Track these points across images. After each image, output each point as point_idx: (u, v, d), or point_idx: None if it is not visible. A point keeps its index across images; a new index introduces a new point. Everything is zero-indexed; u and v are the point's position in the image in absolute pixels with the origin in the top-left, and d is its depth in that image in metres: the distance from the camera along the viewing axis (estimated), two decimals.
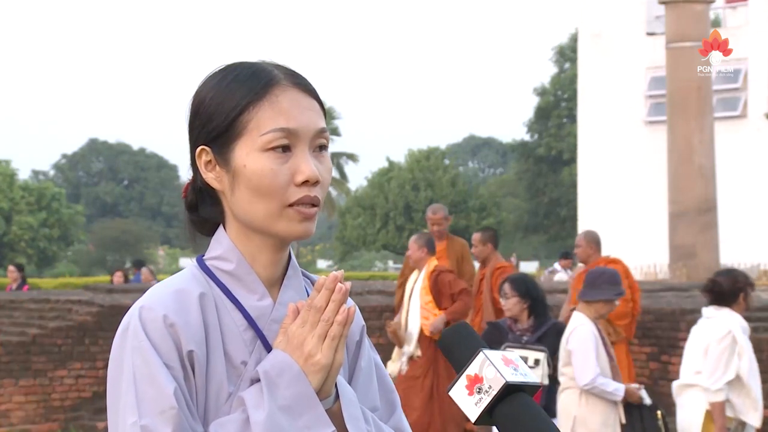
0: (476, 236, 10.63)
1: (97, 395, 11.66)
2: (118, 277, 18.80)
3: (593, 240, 10.23)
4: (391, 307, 11.52)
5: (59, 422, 11.53)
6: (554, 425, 1.73)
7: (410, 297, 10.06)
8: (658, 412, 7.00)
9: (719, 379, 6.81)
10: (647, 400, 6.98)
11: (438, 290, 9.86)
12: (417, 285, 10.07)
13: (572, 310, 9.82)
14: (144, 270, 19.20)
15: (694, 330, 7.12)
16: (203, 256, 1.95)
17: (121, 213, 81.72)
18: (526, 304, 7.40)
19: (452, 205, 48.97)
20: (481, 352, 1.75)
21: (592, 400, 6.90)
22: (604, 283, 7.04)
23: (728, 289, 6.90)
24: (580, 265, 10.69)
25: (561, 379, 7.08)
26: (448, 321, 9.72)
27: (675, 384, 7.22)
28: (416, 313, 9.91)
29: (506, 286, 7.47)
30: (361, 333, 2.02)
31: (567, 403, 6.99)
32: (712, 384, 6.81)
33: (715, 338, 6.84)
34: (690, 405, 7.00)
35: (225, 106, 1.87)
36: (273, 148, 1.85)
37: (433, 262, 10.07)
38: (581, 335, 6.90)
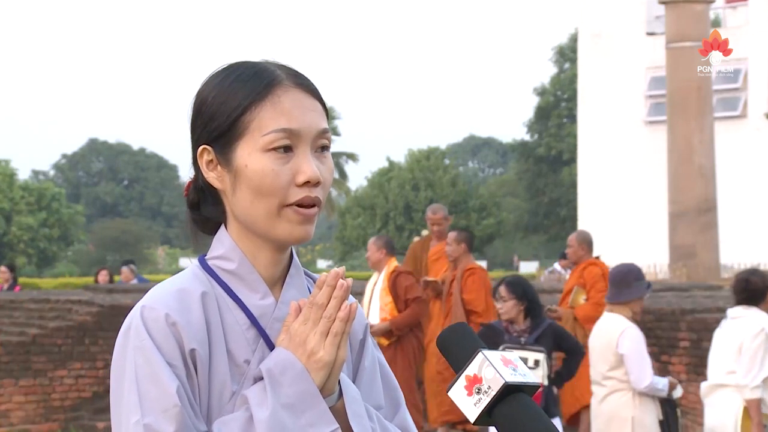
0: (451, 235, 10.52)
1: (97, 395, 11.66)
2: (102, 276, 17.86)
3: (585, 240, 10.26)
4: None
5: (59, 422, 11.53)
6: (554, 426, 1.73)
7: (371, 298, 10.06)
8: (678, 410, 7.04)
9: (756, 376, 6.81)
10: (679, 393, 7.02)
11: (396, 292, 9.86)
12: (377, 286, 10.08)
13: (548, 309, 9.92)
14: (124, 269, 18.23)
15: (720, 332, 7.11)
16: (205, 255, 1.95)
17: (121, 213, 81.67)
18: (522, 306, 7.39)
19: (452, 205, 48.93)
20: (480, 353, 1.75)
21: (645, 401, 6.91)
22: (634, 280, 7.01)
23: (760, 288, 6.93)
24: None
25: (606, 383, 7.00)
26: (390, 331, 9.75)
27: (704, 385, 7.21)
28: (376, 315, 9.93)
29: (502, 289, 7.44)
30: (365, 332, 2.02)
31: (619, 406, 6.93)
32: (750, 381, 6.81)
33: (749, 336, 6.83)
34: (722, 405, 6.97)
35: (227, 105, 1.88)
36: (274, 149, 1.85)
37: (393, 263, 10.10)
38: (633, 337, 6.87)
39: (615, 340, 6.92)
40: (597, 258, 10.51)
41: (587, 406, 9.96)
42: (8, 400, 11.39)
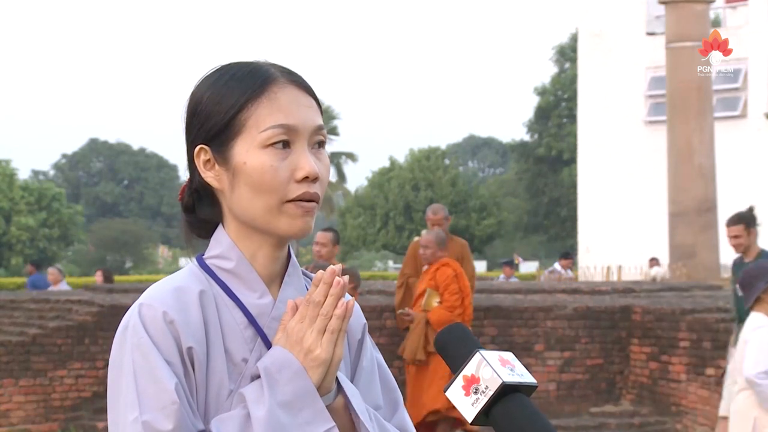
0: (326, 236, 10.03)
1: (97, 395, 11.66)
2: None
3: (442, 240, 10.01)
4: (391, 307, 11.51)
5: (59, 422, 11.53)
6: (551, 426, 1.73)
7: None
8: None
9: None
10: None
11: None
12: None
13: (400, 312, 9.73)
14: (51, 270, 17.79)
15: None
16: (203, 254, 1.95)
17: (121, 213, 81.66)
18: None
19: (452, 205, 48.92)
20: (477, 353, 1.74)
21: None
22: (754, 279, 6.90)
23: None
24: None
25: (739, 379, 6.86)
26: None
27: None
28: None
29: None
30: (363, 331, 2.02)
31: (746, 404, 6.75)
32: None
33: None
34: None
35: (223, 104, 1.88)
36: (273, 145, 1.86)
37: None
38: (763, 331, 6.74)
39: (748, 335, 6.79)
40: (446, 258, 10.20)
41: (434, 411, 9.68)
42: (8, 400, 11.39)
